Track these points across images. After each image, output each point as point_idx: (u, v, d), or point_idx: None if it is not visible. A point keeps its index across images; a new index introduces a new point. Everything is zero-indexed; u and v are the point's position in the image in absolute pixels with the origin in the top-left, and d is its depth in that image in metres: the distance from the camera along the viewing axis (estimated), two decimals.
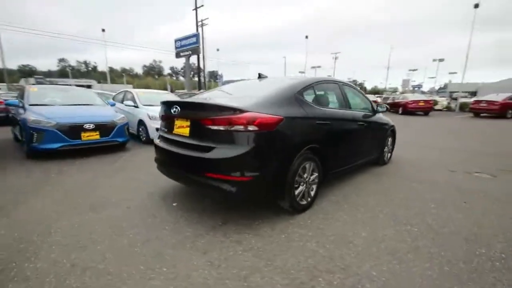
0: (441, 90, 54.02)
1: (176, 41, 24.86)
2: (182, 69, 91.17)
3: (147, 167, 4.26)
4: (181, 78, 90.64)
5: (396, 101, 18.66)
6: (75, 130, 4.68)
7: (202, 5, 25.78)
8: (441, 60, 40.10)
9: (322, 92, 3.03)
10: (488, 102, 14.85)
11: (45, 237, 2.17)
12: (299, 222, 2.46)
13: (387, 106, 4.42)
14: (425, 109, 16.87)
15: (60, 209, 2.71)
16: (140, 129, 6.61)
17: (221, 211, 2.65)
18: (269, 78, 3.32)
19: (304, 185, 2.59)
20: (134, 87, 35.83)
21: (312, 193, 2.74)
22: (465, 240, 2.17)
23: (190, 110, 2.48)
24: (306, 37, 39.25)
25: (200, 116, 2.31)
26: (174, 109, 2.53)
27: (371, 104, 4.02)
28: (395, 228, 2.36)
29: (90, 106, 5.61)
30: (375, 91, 43.17)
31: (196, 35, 23.79)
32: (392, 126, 4.63)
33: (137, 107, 6.77)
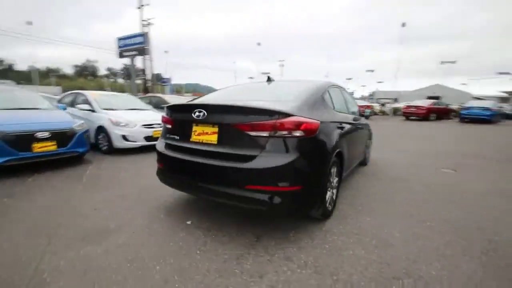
0: (370, 97, 61.71)
1: (119, 40, 22.65)
2: (121, 70, 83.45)
3: (129, 181, 3.68)
4: (120, 80, 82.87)
5: None
6: (24, 140, 3.74)
7: (148, 4, 24.10)
8: (371, 71, 45.70)
9: (334, 96, 3.05)
10: (416, 107, 17.42)
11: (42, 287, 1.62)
12: (332, 229, 2.39)
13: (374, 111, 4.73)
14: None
15: (41, 243, 2.08)
16: (100, 136, 5.71)
17: (244, 225, 2.41)
18: (281, 81, 3.20)
19: (331, 190, 2.54)
20: (63, 90, 31.05)
21: (334, 197, 2.70)
22: (478, 229, 2.40)
23: (221, 114, 2.17)
24: (259, 44, 40.24)
25: (235, 121, 2.05)
26: (198, 113, 2.20)
27: (358, 108, 4.25)
28: (419, 226, 2.48)
29: (39, 111, 4.59)
30: None
31: (142, 35, 22.07)
32: (370, 128, 4.99)
33: (94, 111, 5.85)
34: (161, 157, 2.53)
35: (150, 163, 4.89)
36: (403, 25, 22.95)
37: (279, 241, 2.16)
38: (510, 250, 2.10)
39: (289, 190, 1.95)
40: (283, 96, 2.46)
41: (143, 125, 5.74)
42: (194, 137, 2.28)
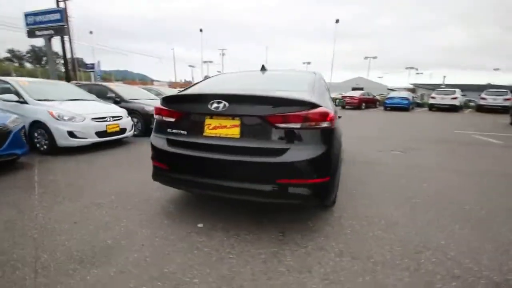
0: None
1: (27, 15, 18.56)
2: (28, 52, 68.90)
3: (97, 186, 3.16)
4: (28, 64, 68.51)
5: None
6: None
7: None
8: (308, 63, 48.78)
9: (326, 88, 3.13)
10: (350, 97, 19.44)
11: None
12: (342, 214, 2.50)
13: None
14: None
15: (25, 276, 1.60)
16: (37, 134, 4.67)
17: (260, 221, 2.34)
18: (277, 71, 3.10)
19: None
20: None
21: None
22: (452, 202, 2.86)
23: (243, 105, 1.98)
24: (201, 30, 38.28)
25: (263, 112, 1.91)
26: (216, 104, 1.96)
27: None
28: (408, 203, 2.80)
29: None
30: None
31: (60, 11, 18.55)
32: None
33: (25, 103, 4.72)
34: (164, 156, 2.20)
35: (110, 162, 4.28)
36: (337, 21, 25.00)
37: (305, 233, 2.16)
38: (483, 212, 2.56)
39: (320, 181, 1.94)
40: (295, 86, 2.40)
41: (93, 118, 4.92)
42: (208, 131, 2.05)
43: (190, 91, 2.52)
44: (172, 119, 2.19)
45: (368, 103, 20.28)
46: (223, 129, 2.00)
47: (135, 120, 6.55)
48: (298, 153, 1.86)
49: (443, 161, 4.65)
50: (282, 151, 1.87)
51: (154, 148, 2.28)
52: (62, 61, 21.05)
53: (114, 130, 5.23)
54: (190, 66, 57.00)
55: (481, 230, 2.26)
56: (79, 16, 26.09)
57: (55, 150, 4.59)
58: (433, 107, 18.38)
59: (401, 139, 6.85)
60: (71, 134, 4.58)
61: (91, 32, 37.45)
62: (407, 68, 45.65)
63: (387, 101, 19.03)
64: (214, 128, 2.03)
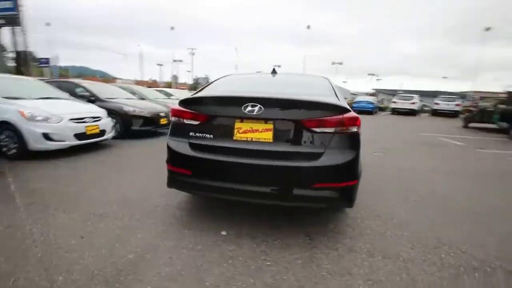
0: None
1: None
2: None
3: (93, 195, 2.88)
4: None
5: None
6: None
7: None
8: (278, 66, 49.83)
9: None
10: None
11: None
12: (356, 215, 2.58)
13: None
14: None
15: None
16: (4, 136, 4.11)
17: (282, 225, 2.32)
18: (290, 74, 3.10)
19: None
20: None
21: None
22: (449, 199, 3.12)
23: (277, 109, 1.95)
24: (172, 28, 36.83)
25: (298, 116, 1.90)
26: (250, 108, 1.90)
27: None
28: (409, 203, 2.99)
29: None
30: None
31: None
32: None
33: None
34: (187, 161, 2.08)
35: (96, 167, 3.93)
36: (308, 27, 25.90)
37: (330, 235, 2.19)
38: (478, 208, 2.83)
39: (351, 184, 1.98)
40: (318, 90, 2.42)
41: (71, 119, 4.47)
42: (238, 135, 1.98)
43: (214, 93, 2.40)
44: (196, 122, 2.08)
45: None
46: (255, 133, 1.95)
47: (114, 121, 6.09)
48: (333, 157, 1.88)
49: (422, 162, 5.06)
50: (318, 155, 1.88)
51: (173, 152, 2.14)
52: (10, 55, 18.83)
53: (93, 132, 4.80)
54: (158, 64, 54.66)
55: (481, 224, 2.51)
56: (33, 6, 23.47)
57: (25, 154, 4.08)
58: (394, 111, 19.93)
59: (376, 141, 7.27)
60: (47, 136, 4.11)
61: (48, 24, 33.97)
62: (369, 74, 49.28)
63: (354, 105, 20.15)
64: (245, 132, 1.97)
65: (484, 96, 20.32)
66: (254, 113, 1.90)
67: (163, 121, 6.93)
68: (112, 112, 6.11)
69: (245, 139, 1.97)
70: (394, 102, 19.97)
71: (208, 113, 2.06)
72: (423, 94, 32.57)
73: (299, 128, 1.91)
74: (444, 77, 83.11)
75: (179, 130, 2.18)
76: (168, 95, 11.14)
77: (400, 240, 2.16)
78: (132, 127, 6.37)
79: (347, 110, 1.97)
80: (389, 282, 1.67)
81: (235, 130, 1.98)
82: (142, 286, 1.55)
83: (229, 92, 2.32)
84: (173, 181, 2.22)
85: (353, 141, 1.98)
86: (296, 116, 1.90)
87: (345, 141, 1.95)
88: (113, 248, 1.91)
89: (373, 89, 46.23)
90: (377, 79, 55.57)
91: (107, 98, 6.49)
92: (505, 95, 10.68)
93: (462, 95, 29.01)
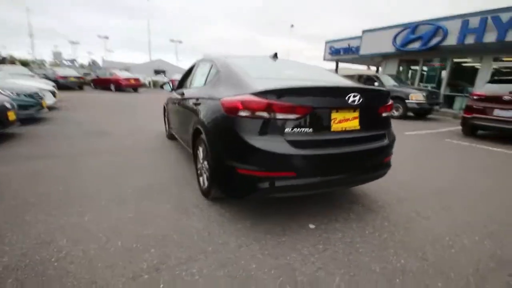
0: (96, 67, 56.21)
1: None
2: None
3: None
4: None
5: (104, 77, 17.88)
6: None
7: None
8: (106, 37, 41.34)
9: None
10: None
11: None
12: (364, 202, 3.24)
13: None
14: (136, 86, 18.06)
15: None
16: None
17: (310, 217, 2.37)
18: (292, 60, 3.03)
19: None
20: None
21: None
22: None
23: (364, 98, 2.06)
24: None
25: (375, 104, 2.16)
26: (353, 98, 1.93)
27: None
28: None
29: None
30: (25, 63, 33.97)
31: None
32: None
33: None
34: (290, 161, 1.83)
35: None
36: None
37: (360, 225, 2.26)
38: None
39: (391, 156, 2.55)
40: (336, 77, 2.71)
41: None
42: (334, 126, 2.00)
43: (307, 83, 2.16)
44: (294, 116, 1.84)
45: None
46: (346, 122, 2.05)
47: None
48: (390, 136, 2.37)
49: None
50: (384, 136, 2.30)
51: (266, 154, 1.79)
52: None
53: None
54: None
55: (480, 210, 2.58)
56: None
57: None
58: None
59: None
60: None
61: None
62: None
63: None
64: (340, 122, 2.02)
65: None
66: (356, 102, 1.99)
67: (11, 117, 4.51)
68: None
69: (340, 129, 2.03)
70: None
71: (309, 105, 1.88)
72: None
73: (375, 114, 2.22)
74: None
75: (267, 127, 1.84)
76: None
77: (425, 230, 3.03)
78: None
79: (389, 96, 2.46)
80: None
81: (332, 121, 1.98)
82: None
83: (311, 81, 2.17)
84: (276, 189, 1.89)
85: (390, 122, 2.53)
86: (375, 104, 2.18)
87: (390, 122, 2.46)
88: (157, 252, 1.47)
89: None
90: None
91: None
92: None
93: None
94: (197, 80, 3.22)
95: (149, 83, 23.59)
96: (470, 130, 6.97)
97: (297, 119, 1.87)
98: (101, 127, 5.71)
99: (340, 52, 18.00)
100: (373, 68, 19.94)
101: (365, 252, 1.87)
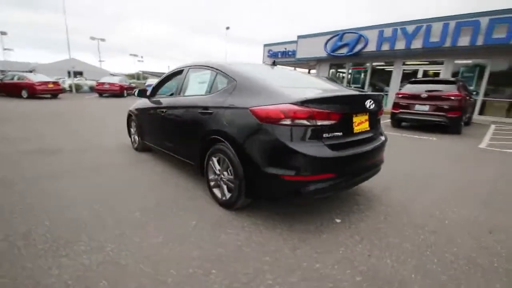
0: None
1: None
2: None
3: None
4: None
5: (11, 81, 14.54)
6: None
7: None
8: (3, 33, 33.58)
9: None
10: (110, 84, 17.52)
11: None
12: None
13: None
14: (55, 91, 15.36)
15: None
16: None
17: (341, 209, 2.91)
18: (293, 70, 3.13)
19: None
20: None
21: None
22: None
23: (376, 103, 2.39)
24: None
25: (378, 107, 2.50)
26: (369, 103, 2.22)
27: None
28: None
29: None
30: None
31: None
32: None
33: None
34: (331, 163, 2.00)
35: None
36: None
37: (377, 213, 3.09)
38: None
39: None
40: (332, 85, 2.99)
41: None
42: (355, 128, 2.25)
43: (335, 92, 2.43)
44: (330, 122, 2.01)
45: (129, 90, 19.53)
46: (361, 124, 2.34)
47: None
48: (382, 133, 2.77)
49: None
50: (382, 134, 2.68)
51: (311, 159, 1.92)
52: None
53: None
54: None
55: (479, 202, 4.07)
56: None
57: None
58: None
59: None
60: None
61: None
62: (131, 54, 46.98)
63: (148, 88, 19.61)
64: (358, 124, 2.29)
65: None
66: (372, 107, 2.28)
67: None
68: None
69: (358, 131, 2.30)
70: None
71: (340, 111, 2.08)
72: None
73: (375, 116, 2.56)
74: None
75: (308, 133, 1.97)
76: None
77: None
78: None
79: None
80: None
81: (353, 124, 2.23)
82: None
83: (342, 90, 2.40)
84: (318, 191, 2.04)
85: None
86: (378, 107, 2.52)
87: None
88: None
89: (141, 71, 45.47)
90: (139, 60, 54.65)
91: None
92: None
93: None
94: (194, 88, 3.07)
95: (70, 87, 20.21)
96: (397, 122, 8.50)
97: (332, 124, 2.05)
98: (41, 144, 4.75)
99: (278, 55, 19.14)
100: (313, 71, 21.80)
101: (392, 234, 2.19)
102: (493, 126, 9.24)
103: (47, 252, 1.81)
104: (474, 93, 10.91)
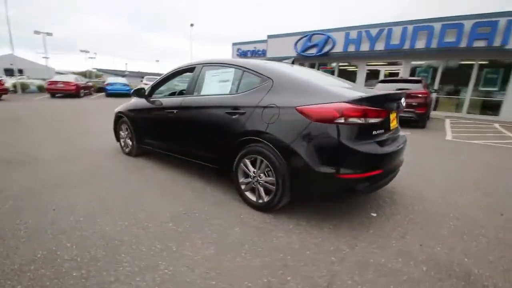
0: None
1: None
2: None
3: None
4: None
5: None
6: None
7: None
8: None
9: None
10: (64, 83, 15.75)
11: None
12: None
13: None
14: None
15: None
16: None
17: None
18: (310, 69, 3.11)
19: None
20: None
21: None
22: None
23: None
24: None
25: (399, 106, 2.63)
26: (403, 101, 2.37)
27: None
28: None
29: None
30: None
31: None
32: None
33: None
34: (380, 160, 2.08)
35: None
36: None
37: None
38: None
39: None
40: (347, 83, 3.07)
41: None
42: (391, 125, 2.35)
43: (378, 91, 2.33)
44: (378, 120, 2.08)
45: (86, 89, 17.79)
46: (393, 122, 2.44)
47: None
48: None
49: None
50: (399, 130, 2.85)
51: (367, 156, 1.97)
52: None
53: None
54: None
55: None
56: None
57: None
58: None
59: None
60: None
61: None
62: (81, 51, 42.56)
63: (108, 87, 18.14)
64: (392, 121, 2.38)
65: None
66: (401, 106, 2.41)
67: None
68: None
69: (392, 128, 2.40)
70: (146, 84, 20.56)
71: (385, 109, 2.14)
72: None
73: (398, 113, 2.69)
74: (157, 60, 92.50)
75: (361, 131, 2.00)
76: None
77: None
78: None
79: None
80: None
81: (390, 121, 2.32)
82: None
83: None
84: (369, 188, 2.10)
85: None
86: (402, 106, 2.65)
87: None
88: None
89: (95, 69, 41.59)
90: (90, 57, 49.75)
91: None
92: None
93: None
94: (213, 87, 2.88)
95: (15, 87, 17.62)
96: None
97: (379, 122, 2.11)
98: (11, 152, 4.08)
99: (247, 54, 19.11)
100: None
101: (428, 224, 2.34)
102: (447, 120, 10.43)
103: (87, 280, 1.56)
104: (433, 91, 12.20)
